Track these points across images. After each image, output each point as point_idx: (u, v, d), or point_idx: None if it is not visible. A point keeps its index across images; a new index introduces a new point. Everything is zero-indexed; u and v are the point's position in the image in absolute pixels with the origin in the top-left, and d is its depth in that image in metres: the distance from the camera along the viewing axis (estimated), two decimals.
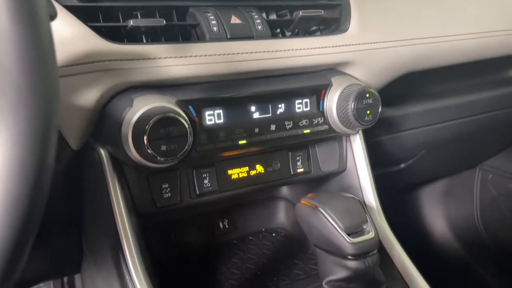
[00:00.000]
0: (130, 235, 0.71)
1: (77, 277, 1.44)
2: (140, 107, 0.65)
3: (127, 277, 0.69)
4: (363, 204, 0.74)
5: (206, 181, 0.80)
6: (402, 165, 1.33)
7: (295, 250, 1.00)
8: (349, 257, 0.69)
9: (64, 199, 0.82)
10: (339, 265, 0.70)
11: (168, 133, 0.65)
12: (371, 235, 0.70)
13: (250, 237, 1.05)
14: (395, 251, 0.82)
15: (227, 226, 1.04)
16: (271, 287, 0.86)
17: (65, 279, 1.48)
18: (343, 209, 0.72)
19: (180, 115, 0.66)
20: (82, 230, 0.88)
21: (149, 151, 0.64)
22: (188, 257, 0.96)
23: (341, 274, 0.70)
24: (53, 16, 0.43)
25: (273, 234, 1.07)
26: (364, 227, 0.71)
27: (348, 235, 0.69)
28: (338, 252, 0.70)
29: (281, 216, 1.12)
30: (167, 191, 0.77)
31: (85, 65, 0.64)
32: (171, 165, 0.71)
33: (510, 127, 1.43)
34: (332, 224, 0.70)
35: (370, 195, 0.90)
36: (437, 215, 1.92)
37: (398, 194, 1.78)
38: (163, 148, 0.65)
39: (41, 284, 1.42)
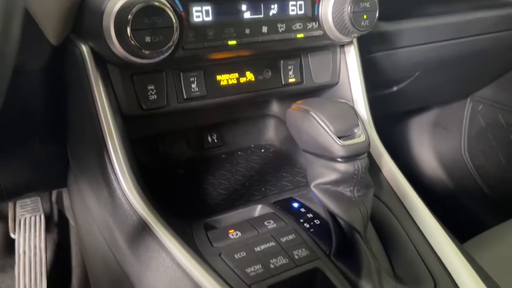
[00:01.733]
0: (115, 136, 0.69)
1: (65, 195, 1.44)
2: None
3: (112, 177, 0.68)
4: (354, 109, 0.72)
5: (194, 85, 0.77)
6: (395, 88, 1.31)
7: (284, 165, 0.99)
8: (339, 159, 0.68)
9: (46, 100, 0.79)
10: (328, 168, 0.69)
11: (153, 24, 0.61)
12: (362, 138, 0.68)
13: (239, 152, 1.04)
14: (384, 160, 0.81)
15: (215, 140, 1.03)
16: (259, 196, 0.86)
17: (53, 196, 1.49)
18: (335, 113, 0.70)
19: (166, 4, 0.61)
20: (67, 136, 0.86)
21: (132, 42, 0.60)
22: (176, 168, 0.95)
23: (329, 177, 0.69)
24: None
25: (262, 150, 1.06)
26: (355, 131, 0.70)
27: (339, 138, 0.68)
28: (327, 155, 0.69)
29: (270, 133, 1.10)
30: (153, 93, 0.74)
31: None
32: (157, 65, 0.68)
33: (505, 52, 1.40)
34: (323, 127, 0.68)
35: (362, 108, 0.89)
36: (425, 145, 1.94)
37: (388, 122, 1.78)
38: (148, 39, 0.61)
39: (28, 201, 1.42)
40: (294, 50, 0.84)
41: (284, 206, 0.76)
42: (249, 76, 0.82)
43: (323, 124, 0.68)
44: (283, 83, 0.86)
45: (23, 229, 1.41)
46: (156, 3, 0.61)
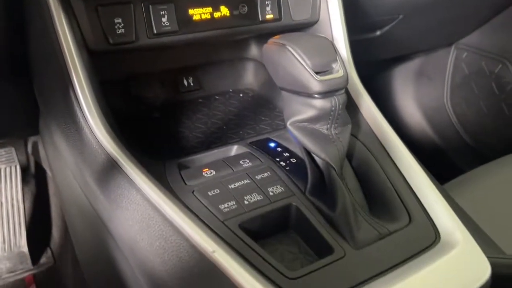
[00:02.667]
0: (81, 72, 0.65)
1: (40, 146, 1.41)
2: None
3: (79, 114, 0.65)
4: (333, 44, 0.69)
5: (164, 20, 0.73)
6: (378, 32, 1.27)
7: (263, 109, 0.97)
8: (316, 95, 0.65)
9: (8, 36, 0.74)
10: (305, 104, 0.67)
11: None
12: (339, 73, 0.66)
13: (217, 97, 1.01)
14: (363, 99, 0.79)
15: (191, 84, 0.99)
16: (236, 138, 0.84)
17: (29, 148, 1.45)
18: (313, 48, 0.67)
19: None
20: (33, 76, 0.82)
21: None
22: (150, 112, 0.92)
23: (306, 114, 0.67)
24: None
25: (241, 95, 1.03)
26: (333, 66, 0.67)
27: (316, 73, 0.65)
28: (304, 91, 0.66)
29: (249, 77, 1.07)
30: (120, 26, 0.70)
31: None
32: None
33: None
34: (300, 62, 0.65)
35: (342, 46, 0.86)
36: (407, 94, 1.93)
37: (370, 70, 1.76)
38: None
39: (3, 152, 1.38)
40: None
41: (261, 146, 0.75)
42: (224, 10, 0.78)
43: (299, 59, 0.65)
44: (260, 19, 0.82)
45: None
46: None
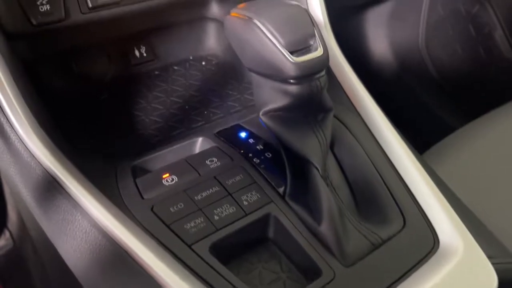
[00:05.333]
0: None
1: None
2: None
3: (3, 121, 0.52)
4: (309, 14, 0.57)
5: None
6: None
7: (229, 79, 0.85)
8: (292, 81, 0.55)
9: None
10: (279, 91, 0.56)
11: None
12: (319, 52, 0.55)
13: (175, 67, 0.88)
14: (345, 73, 0.69)
15: (144, 54, 0.85)
16: (201, 121, 0.73)
17: None
18: (285, 20, 0.55)
19: None
20: None
21: None
22: (97, 92, 0.79)
23: (281, 101, 0.57)
24: None
25: (203, 63, 0.90)
26: (311, 42, 0.56)
27: (291, 53, 0.54)
28: (277, 76, 0.55)
29: (211, 41, 0.94)
30: (44, 1, 0.55)
31: None
32: None
33: None
34: (271, 40, 0.54)
35: (316, 6, 0.73)
36: (381, 38, 1.82)
37: (342, 16, 1.63)
38: None
39: None
40: None
41: (230, 137, 0.64)
42: None
43: (270, 36, 0.54)
44: None
45: None
46: None
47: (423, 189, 0.57)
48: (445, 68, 1.73)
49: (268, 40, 0.54)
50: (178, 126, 0.73)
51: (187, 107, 0.78)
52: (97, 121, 0.72)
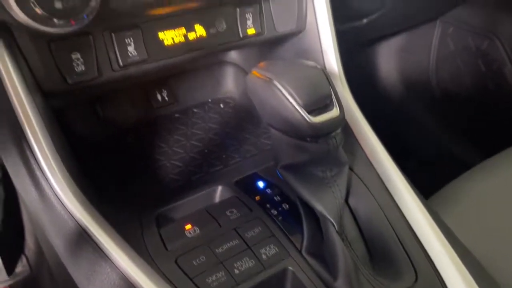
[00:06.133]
0: (34, 120, 0.56)
1: None
2: None
3: (37, 172, 0.56)
4: (326, 74, 0.61)
5: (130, 48, 0.63)
6: (365, 20, 1.18)
7: (246, 123, 0.89)
8: (309, 139, 0.58)
9: None
10: (296, 148, 0.59)
11: None
12: (335, 112, 0.58)
13: (194, 110, 0.92)
14: (360, 126, 0.72)
15: (166, 98, 0.89)
16: (220, 166, 0.77)
17: None
18: (303, 81, 0.59)
19: None
20: None
21: (38, 10, 0.45)
22: (121, 136, 0.82)
23: (298, 157, 0.60)
24: None
25: (221, 105, 0.94)
26: (327, 102, 0.59)
27: (308, 113, 0.57)
28: (295, 133, 0.58)
29: (229, 84, 0.98)
30: (79, 62, 0.59)
31: None
32: (79, 28, 0.53)
33: None
34: (289, 100, 0.57)
35: (332, 59, 0.77)
36: (391, 69, 1.86)
37: (355, 50, 1.67)
38: (58, 5, 0.46)
39: None
40: None
41: (248, 186, 0.67)
42: (199, 30, 0.68)
43: (289, 97, 0.57)
44: (241, 35, 0.72)
45: None
46: None
47: (434, 244, 0.59)
48: (454, 101, 1.76)
49: (287, 101, 0.57)
50: (198, 171, 0.76)
51: (206, 150, 0.81)
52: (122, 166, 0.76)
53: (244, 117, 0.90)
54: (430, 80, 1.78)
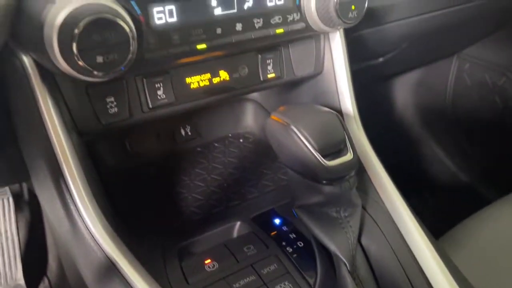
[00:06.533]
0: (71, 158, 0.60)
1: None
2: (65, 3, 0.49)
3: (72, 206, 0.60)
4: (341, 119, 0.65)
5: (160, 92, 0.68)
6: (381, 59, 1.22)
7: (264, 158, 0.93)
8: (324, 181, 0.61)
9: None
10: (312, 189, 0.63)
11: (105, 40, 0.51)
12: (348, 156, 0.62)
13: (215, 144, 0.97)
14: (374, 167, 0.75)
15: (189, 133, 0.95)
16: (238, 200, 0.80)
17: (25, 190, 1.41)
18: (319, 127, 0.63)
19: (119, 15, 0.51)
20: (21, 148, 0.77)
21: (80, 63, 0.51)
22: (146, 168, 0.87)
23: (313, 198, 0.64)
24: None
25: (240, 140, 0.99)
26: (342, 147, 0.63)
27: (324, 157, 0.61)
28: (311, 175, 0.62)
29: (249, 119, 1.03)
30: (112, 105, 0.65)
31: None
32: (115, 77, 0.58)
33: (491, 15, 1.31)
34: (306, 145, 0.61)
35: (348, 102, 0.81)
36: (408, 103, 1.89)
37: (371, 84, 1.71)
38: (100, 59, 0.51)
39: None
40: (273, 43, 0.75)
41: (265, 223, 0.71)
42: (223, 75, 0.73)
43: (305, 141, 0.61)
44: (262, 79, 0.77)
45: None
46: (108, 15, 0.50)
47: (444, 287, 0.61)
48: (472, 138, 1.77)
49: (303, 145, 0.61)
50: (217, 205, 0.80)
51: (225, 184, 0.85)
52: (146, 196, 0.81)
53: (262, 152, 0.94)
54: (447, 115, 1.80)
